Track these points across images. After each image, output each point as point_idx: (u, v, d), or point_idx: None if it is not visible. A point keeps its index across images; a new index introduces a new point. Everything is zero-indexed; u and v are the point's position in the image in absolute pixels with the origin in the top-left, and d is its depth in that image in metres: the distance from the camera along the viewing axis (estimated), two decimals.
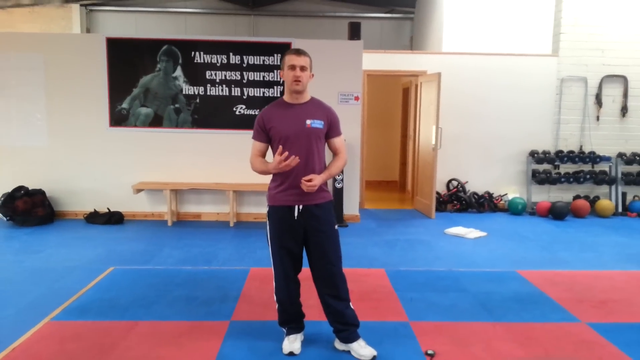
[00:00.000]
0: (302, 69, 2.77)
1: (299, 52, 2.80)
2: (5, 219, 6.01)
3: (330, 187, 6.26)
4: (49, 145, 6.38)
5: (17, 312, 3.49)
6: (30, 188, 6.19)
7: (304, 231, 2.86)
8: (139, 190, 6.27)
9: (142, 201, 6.51)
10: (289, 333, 3.01)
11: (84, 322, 3.33)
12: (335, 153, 2.99)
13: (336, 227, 2.95)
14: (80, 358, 2.86)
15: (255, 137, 2.94)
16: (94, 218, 6.24)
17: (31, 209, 6.03)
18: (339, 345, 2.99)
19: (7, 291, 3.87)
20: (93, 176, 6.43)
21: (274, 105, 2.92)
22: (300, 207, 2.83)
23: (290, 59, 2.78)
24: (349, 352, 2.94)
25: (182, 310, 3.57)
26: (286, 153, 2.68)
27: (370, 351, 2.88)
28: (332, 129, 2.92)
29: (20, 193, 6.06)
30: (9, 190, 6.10)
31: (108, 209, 6.39)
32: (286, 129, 2.81)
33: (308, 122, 2.81)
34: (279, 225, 2.87)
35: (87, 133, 6.37)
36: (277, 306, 3.01)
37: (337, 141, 2.97)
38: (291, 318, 3.02)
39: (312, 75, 2.88)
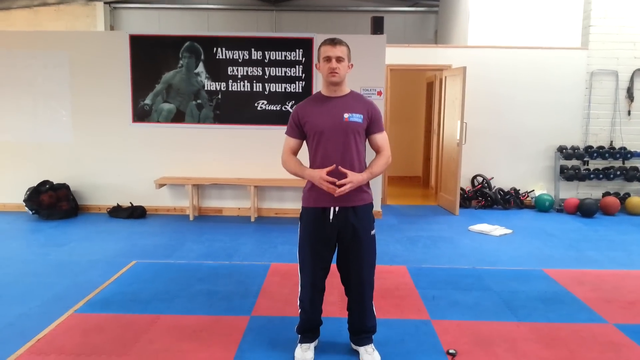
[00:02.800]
0: (339, 60, 2.58)
1: (334, 42, 2.60)
2: (30, 212, 6.13)
3: None
4: (74, 141, 6.48)
5: (42, 304, 3.54)
6: (55, 182, 6.32)
7: (337, 235, 2.69)
8: (161, 185, 6.32)
9: (165, 196, 6.57)
10: (302, 341, 2.86)
11: (107, 315, 3.37)
12: (377, 151, 2.77)
13: (373, 232, 2.75)
14: (103, 350, 2.88)
15: (288, 133, 2.76)
16: (117, 212, 6.32)
17: (56, 203, 6.14)
18: (352, 344, 2.92)
19: (33, 283, 3.94)
20: (116, 171, 6.52)
21: (310, 99, 2.75)
22: (337, 209, 2.65)
23: (325, 50, 2.60)
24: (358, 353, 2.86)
25: (203, 304, 3.58)
26: (332, 177, 2.53)
27: (373, 358, 2.75)
28: (373, 124, 2.70)
29: (45, 187, 6.18)
30: (35, 184, 6.23)
31: (131, 203, 6.47)
32: (321, 123, 2.62)
33: (346, 115, 2.62)
34: (312, 228, 2.69)
35: (111, 129, 6.45)
36: (299, 312, 2.87)
37: (379, 138, 2.75)
38: (309, 327, 2.87)
39: (351, 65, 2.69)
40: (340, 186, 2.55)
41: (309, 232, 2.71)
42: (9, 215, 6.34)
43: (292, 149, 2.77)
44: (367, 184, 2.73)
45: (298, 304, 2.86)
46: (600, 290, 3.92)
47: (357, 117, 2.64)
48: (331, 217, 2.66)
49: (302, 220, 2.76)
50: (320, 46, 2.65)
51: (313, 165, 2.69)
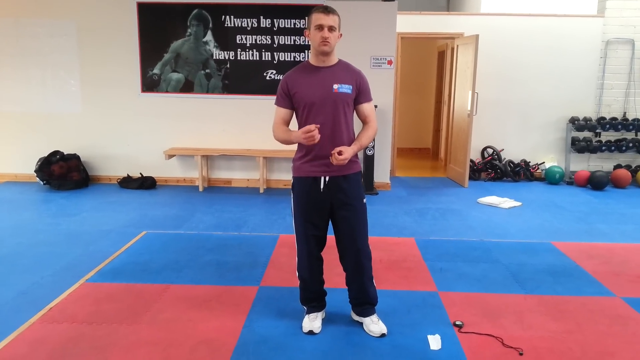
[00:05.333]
0: (331, 29, 2.54)
1: (327, 11, 2.55)
2: (42, 182, 6.18)
3: (361, 155, 6.21)
4: (83, 111, 6.48)
5: (54, 273, 3.60)
6: (65, 153, 6.35)
7: (330, 205, 2.70)
8: (170, 156, 6.33)
9: (174, 167, 6.59)
10: (309, 312, 2.89)
11: (118, 284, 3.42)
12: (364, 121, 2.76)
13: (364, 201, 2.77)
14: (114, 319, 2.94)
15: (278, 103, 2.73)
16: (127, 183, 6.36)
17: (66, 173, 6.18)
18: (353, 315, 2.95)
19: (45, 253, 4.00)
20: (126, 141, 6.53)
21: (298, 69, 2.71)
22: (327, 178, 2.66)
23: (317, 18, 2.54)
24: (362, 323, 2.88)
25: (212, 274, 3.62)
26: (314, 128, 2.49)
27: (380, 328, 2.77)
28: (361, 94, 2.69)
29: (56, 158, 6.21)
30: (45, 155, 6.27)
31: (141, 174, 6.50)
32: (311, 95, 2.60)
33: (335, 86, 2.60)
34: (304, 197, 2.71)
35: (120, 99, 6.43)
36: (299, 283, 2.91)
37: (366, 108, 2.74)
38: (312, 296, 2.89)
39: (341, 35, 2.66)
40: (333, 157, 2.55)
41: (301, 202, 2.73)
42: (21, 185, 6.41)
43: (282, 119, 2.74)
44: (355, 154, 2.73)
45: (297, 274, 2.89)
46: (609, 264, 3.91)
47: (347, 88, 2.64)
48: (322, 186, 2.67)
49: (294, 190, 2.77)
50: (311, 13, 2.60)
51: None
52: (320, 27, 2.55)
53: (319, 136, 2.52)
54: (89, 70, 6.39)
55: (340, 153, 2.54)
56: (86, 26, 6.30)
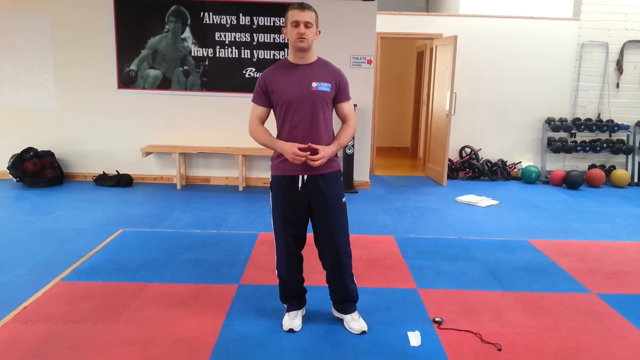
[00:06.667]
0: (307, 25, 2.52)
1: (302, 7, 2.54)
2: (15, 180, 6.03)
3: (340, 153, 6.22)
4: (58, 107, 6.35)
5: (28, 271, 3.51)
6: (39, 150, 6.20)
7: (308, 204, 2.68)
8: (147, 153, 6.24)
9: (151, 164, 6.49)
10: (289, 310, 2.87)
11: (94, 283, 3.35)
12: (343, 120, 2.74)
13: (344, 200, 2.74)
14: (90, 318, 2.88)
15: (255, 100, 2.69)
16: (103, 180, 6.25)
17: (40, 170, 6.05)
18: (334, 312, 2.95)
19: (18, 251, 3.90)
20: (102, 138, 6.42)
21: (277, 66, 2.67)
22: (305, 177, 2.63)
23: (293, 15, 2.53)
24: (342, 320, 2.88)
25: (190, 273, 3.57)
26: (305, 155, 2.52)
27: (361, 326, 2.78)
28: (340, 92, 2.67)
29: (29, 154, 6.07)
30: (18, 151, 6.12)
31: (117, 171, 6.39)
32: (289, 93, 2.57)
33: (314, 84, 2.57)
34: (282, 196, 2.69)
35: (95, 95, 6.32)
36: (278, 281, 2.89)
37: (346, 107, 2.72)
38: (292, 294, 2.87)
39: (319, 32, 2.64)
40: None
41: (279, 200, 2.71)
42: None
43: (259, 117, 2.71)
44: (335, 153, 2.71)
45: (276, 272, 2.87)
46: (584, 261, 3.99)
47: (325, 86, 2.61)
48: (300, 185, 2.65)
49: (272, 188, 2.74)
50: (287, 11, 2.59)
51: (281, 134, 2.66)
52: (296, 24, 2.53)
53: (303, 160, 2.53)
54: (63, 65, 6.25)
55: (316, 152, 2.54)
56: (61, 20, 6.17)
